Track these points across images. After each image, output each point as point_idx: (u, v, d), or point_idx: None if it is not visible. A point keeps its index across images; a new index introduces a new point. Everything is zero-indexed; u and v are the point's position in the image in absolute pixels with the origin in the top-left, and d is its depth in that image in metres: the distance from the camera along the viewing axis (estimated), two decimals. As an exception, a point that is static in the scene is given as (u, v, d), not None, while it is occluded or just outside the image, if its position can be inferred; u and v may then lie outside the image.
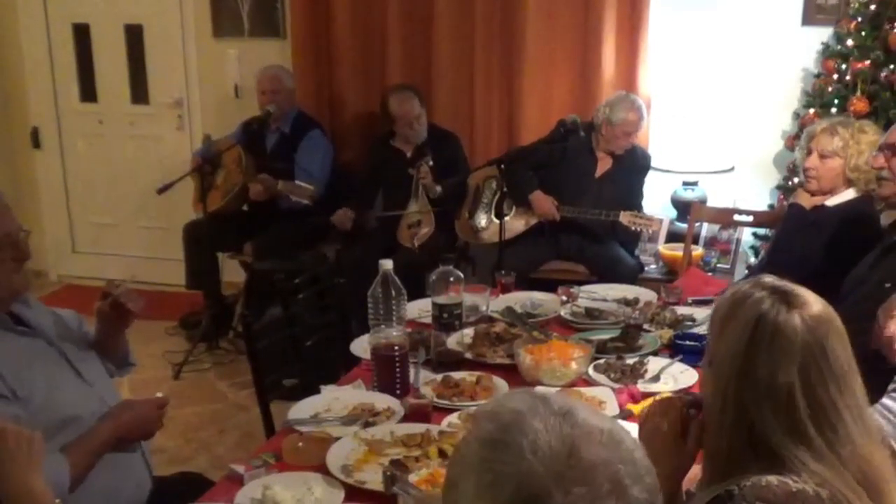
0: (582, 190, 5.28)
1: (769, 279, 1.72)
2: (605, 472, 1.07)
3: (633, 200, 5.23)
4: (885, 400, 2.38)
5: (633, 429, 2.59)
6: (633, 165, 5.33)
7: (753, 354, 1.63)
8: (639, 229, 5.05)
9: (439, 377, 3.00)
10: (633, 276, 5.06)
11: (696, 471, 2.23)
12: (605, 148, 5.28)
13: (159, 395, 2.78)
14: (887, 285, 3.04)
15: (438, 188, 5.47)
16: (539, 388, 2.84)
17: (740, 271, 5.32)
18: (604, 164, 5.33)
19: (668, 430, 1.82)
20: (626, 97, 5.24)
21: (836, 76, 4.98)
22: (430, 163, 5.45)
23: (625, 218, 5.00)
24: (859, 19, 4.95)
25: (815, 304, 1.67)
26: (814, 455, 1.58)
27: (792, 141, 5.08)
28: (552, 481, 1.06)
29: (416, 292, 3.55)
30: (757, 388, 1.62)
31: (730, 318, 1.69)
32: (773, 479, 1.56)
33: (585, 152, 5.33)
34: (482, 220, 5.53)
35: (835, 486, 1.55)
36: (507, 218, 5.26)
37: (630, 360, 3.08)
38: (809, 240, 3.88)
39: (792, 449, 1.59)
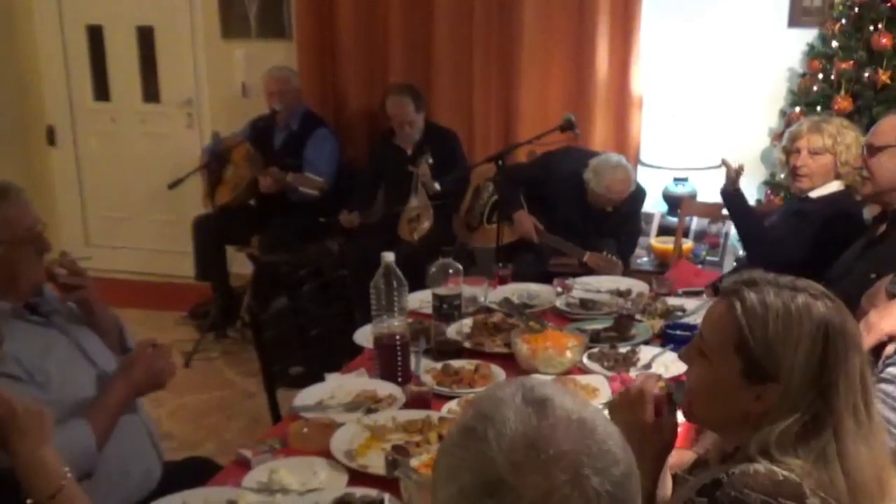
0: (568, 226, 5.13)
1: (770, 276, 1.70)
2: (564, 463, 1.06)
3: (621, 233, 5.15)
4: None
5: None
6: (624, 210, 5.13)
7: (832, 363, 1.60)
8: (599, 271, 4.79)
9: (439, 365, 3.01)
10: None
11: (684, 456, 2.23)
12: (591, 202, 5.09)
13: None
14: (873, 276, 3.03)
15: (437, 185, 5.47)
16: (535, 376, 2.84)
17: (728, 263, 5.33)
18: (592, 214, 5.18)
19: (637, 419, 1.81)
20: (613, 165, 4.95)
21: (821, 76, 4.98)
22: (430, 161, 5.45)
23: (590, 259, 4.83)
24: (843, 21, 4.94)
25: (825, 291, 1.67)
26: (867, 444, 1.59)
27: (778, 138, 5.07)
28: (508, 470, 1.06)
29: (417, 284, 3.54)
30: (836, 395, 1.60)
31: (789, 328, 1.62)
32: (760, 467, 1.55)
33: (574, 196, 5.11)
34: (475, 221, 5.53)
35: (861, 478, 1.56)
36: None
37: (623, 349, 3.08)
38: (794, 230, 3.88)
39: (851, 443, 1.58)
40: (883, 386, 2.29)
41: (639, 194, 5.23)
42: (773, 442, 1.59)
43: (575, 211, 5.16)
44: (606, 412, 1.94)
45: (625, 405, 1.86)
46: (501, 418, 1.10)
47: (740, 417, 1.68)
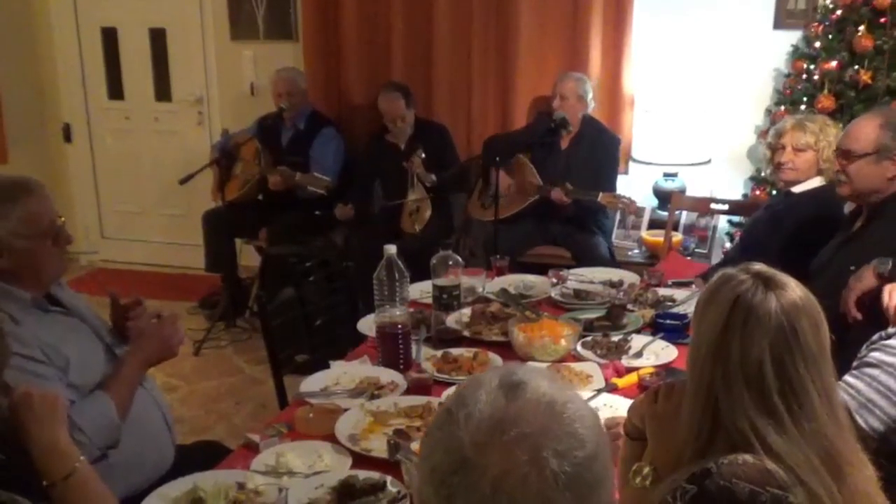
0: (552, 161, 5.32)
1: (756, 266, 1.69)
2: (525, 444, 1.07)
3: (601, 176, 5.25)
4: (848, 378, 2.35)
5: (615, 401, 2.60)
6: (599, 142, 5.33)
7: (728, 333, 1.61)
8: (617, 209, 5.12)
9: (439, 353, 3.00)
10: (605, 263, 5.07)
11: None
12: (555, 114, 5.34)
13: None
14: (852, 268, 3.03)
15: (433, 176, 5.48)
16: (530, 363, 2.84)
17: (717, 255, 5.32)
18: (568, 137, 5.37)
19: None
20: (575, 74, 5.40)
21: (804, 76, 4.97)
22: (423, 155, 5.46)
23: (604, 199, 5.00)
24: (826, 23, 4.93)
25: (795, 289, 1.64)
26: (776, 428, 1.55)
27: (764, 135, 5.07)
28: (473, 449, 1.07)
29: (420, 275, 3.54)
30: (729, 365, 1.59)
31: (711, 299, 1.66)
32: (748, 457, 1.53)
33: (553, 151, 5.38)
34: (488, 201, 5.55)
35: (792, 462, 1.53)
36: (504, 197, 5.31)
37: (615, 338, 3.08)
38: (777, 224, 3.88)
39: (757, 423, 1.56)
40: (868, 370, 2.28)
41: (613, 140, 5.42)
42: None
43: (557, 154, 5.35)
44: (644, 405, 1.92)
45: (679, 392, 1.84)
46: (474, 401, 1.11)
47: None
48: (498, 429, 1.08)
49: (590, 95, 5.36)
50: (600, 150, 5.34)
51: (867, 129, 3.22)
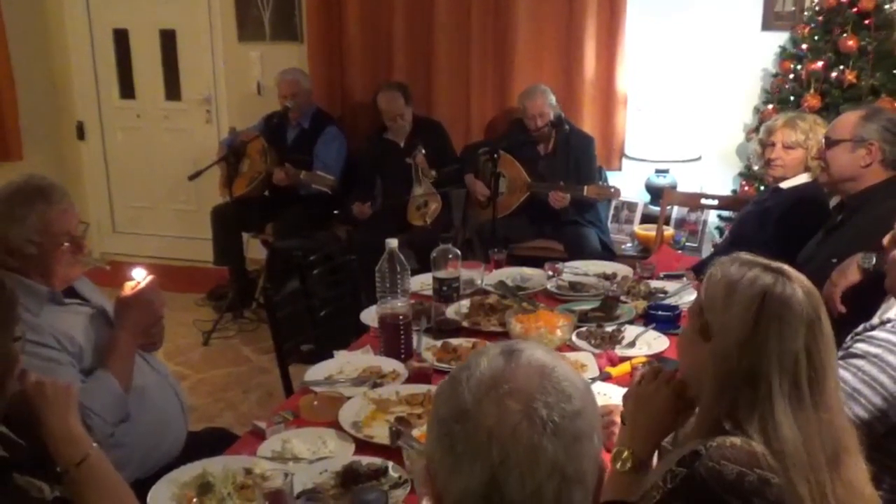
0: (536, 166, 5.37)
1: (747, 255, 1.69)
2: (518, 396, 1.17)
3: (581, 173, 5.28)
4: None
5: (610, 390, 2.60)
6: (573, 142, 5.33)
7: (763, 326, 1.58)
8: (603, 198, 5.24)
9: (439, 343, 3.00)
10: (596, 253, 5.05)
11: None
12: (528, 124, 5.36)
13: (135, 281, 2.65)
14: (834, 261, 3.03)
15: (433, 172, 5.47)
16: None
17: (707, 249, 5.32)
18: (546, 143, 5.39)
19: (670, 397, 1.80)
20: (531, 87, 5.40)
21: (792, 76, 4.96)
22: (423, 151, 5.46)
23: (590, 191, 5.10)
24: (812, 25, 4.92)
25: (803, 279, 1.65)
26: (796, 417, 1.55)
27: (752, 133, 5.07)
28: (473, 404, 1.18)
29: (429, 266, 3.53)
30: (762, 357, 1.57)
31: (732, 292, 1.63)
32: (736, 439, 1.53)
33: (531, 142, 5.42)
34: (485, 201, 5.55)
35: (794, 458, 1.52)
36: (502, 195, 5.30)
37: (609, 328, 3.07)
38: (766, 219, 3.88)
39: (777, 410, 1.55)
40: (854, 360, 2.27)
41: (586, 140, 5.44)
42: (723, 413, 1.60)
43: (536, 159, 5.41)
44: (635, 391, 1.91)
45: (661, 378, 1.84)
46: (476, 364, 1.23)
47: (700, 372, 1.68)
48: (494, 385, 1.19)
49: (554, 101, 5.37)
50: (577, 150, 5.36)
51: (849, 119, 3.33)
